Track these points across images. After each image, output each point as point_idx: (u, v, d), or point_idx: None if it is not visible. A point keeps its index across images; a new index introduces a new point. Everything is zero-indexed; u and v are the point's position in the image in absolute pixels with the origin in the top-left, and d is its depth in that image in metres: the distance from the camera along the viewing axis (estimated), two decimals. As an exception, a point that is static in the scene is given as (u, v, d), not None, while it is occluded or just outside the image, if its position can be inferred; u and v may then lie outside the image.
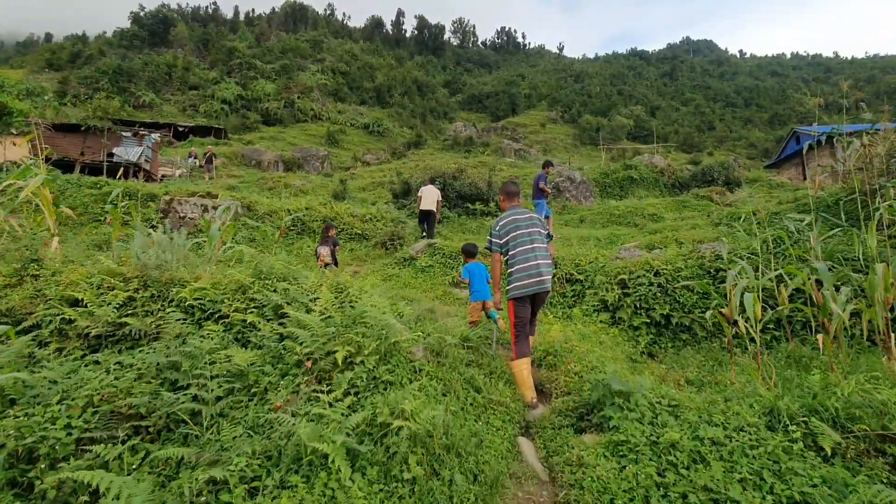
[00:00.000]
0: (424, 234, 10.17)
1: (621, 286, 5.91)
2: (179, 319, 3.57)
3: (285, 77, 62.98)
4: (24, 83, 16.53)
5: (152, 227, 9.27)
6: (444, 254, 7.98)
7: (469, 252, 5.47)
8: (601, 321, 5.63)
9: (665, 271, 5.76)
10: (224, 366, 2.83)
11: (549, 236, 3.98)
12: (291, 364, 2.89)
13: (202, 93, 59.15)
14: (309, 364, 2.77)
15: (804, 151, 24.22)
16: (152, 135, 18.60)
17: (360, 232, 10.71)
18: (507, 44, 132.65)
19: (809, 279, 3.84)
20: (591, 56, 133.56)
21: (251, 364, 2.92)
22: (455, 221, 12.74)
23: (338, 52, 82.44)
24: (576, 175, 15.86)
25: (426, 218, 10.21)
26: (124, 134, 17.10)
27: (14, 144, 14.92)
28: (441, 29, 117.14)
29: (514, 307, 3.68)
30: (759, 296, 3.67)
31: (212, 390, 2.63)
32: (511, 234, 3.74)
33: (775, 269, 4.97)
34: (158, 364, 2.95)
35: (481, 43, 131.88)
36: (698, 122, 71.41)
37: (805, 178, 27.02)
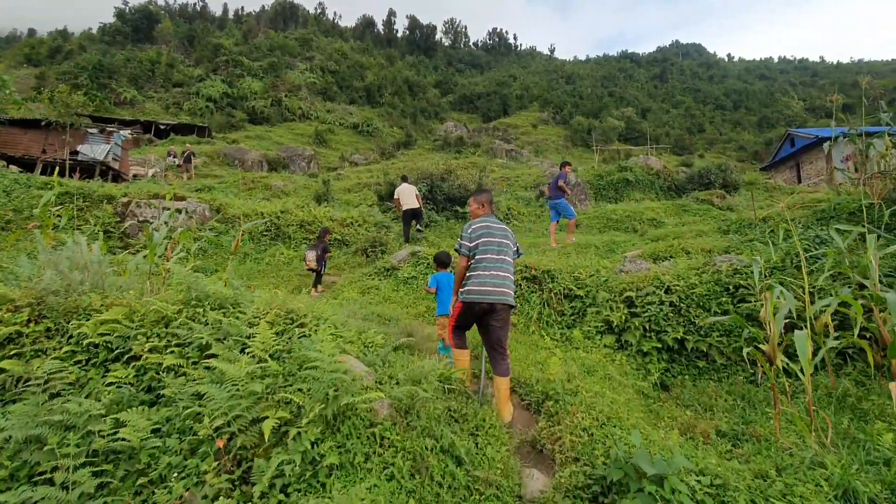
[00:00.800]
0: (417, 233, 9.47)
1: (628, 304, 5.19)
2: (79, 362, 2.80)
3: (273, 75, 61.86)
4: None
5: (105, 232, 8.40)
6: (428, 263, 7.21)
7: (441, 261, 5.00)
8: (605, 345, 4.91)
9: (677, 288, 5.05)
10: (105, 443, 2.05)
11: (518, 253, 3.87)
12: (204, 437, 2.11)
13: (187, 90, 57.80)
14: (221, 442, 2.00)
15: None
16: (122, 132, 17.49)
17: (339, 237, 9.88)
18: (499, 45, 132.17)
19: (868, 308, 3.16)
20: (583, 58, 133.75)
21: (150, 435, 2.14)
22: (443, 225, 11.97)
23: (327, 51, 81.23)
24: (570, 177, 15.04)
25: (414, 216, 9.75)
26: (90, 130, 15.95)
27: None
28: (433, 29, 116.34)
29: (461, 311, 3.58)
30: (810, 332, 2.97)
31: (74, 485, 1.84)
32: (482, 239, 3.62)
33: (819, 293, 4.30)
34: (26, 437, 2.16)
35: (473, 44, 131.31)
36: (689, 125, 71.58)
37: (800, 181, 26.70)
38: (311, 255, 7.37)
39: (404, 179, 10.44)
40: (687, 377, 4.53)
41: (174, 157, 24.26)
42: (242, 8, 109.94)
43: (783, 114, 78.05)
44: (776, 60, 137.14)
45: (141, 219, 8.42)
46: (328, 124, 52.15)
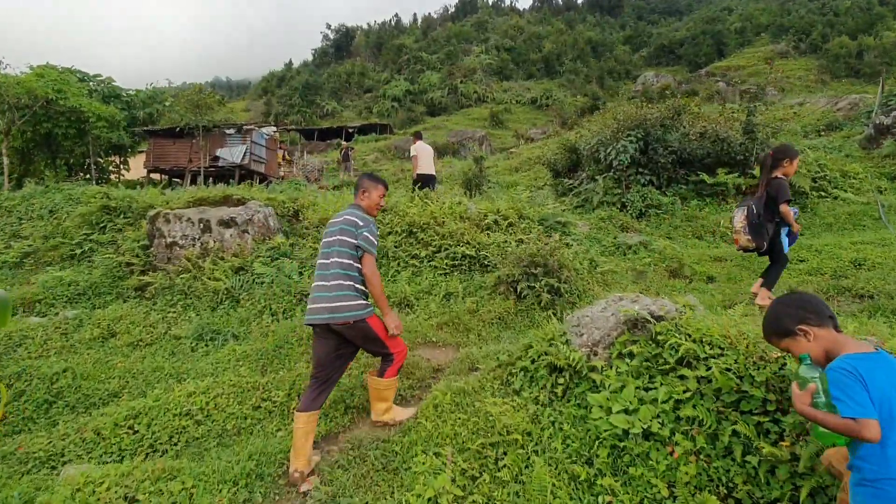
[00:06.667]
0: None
1: None
2: None
3: (449, 64, 61.03)
4: (109, 81, 15.50)
5: (128, 265, 5.54)
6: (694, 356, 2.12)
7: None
8: None
9: None
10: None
11: (359, 248, 2.72)
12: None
13: (375, 94, 61.30)
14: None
15: None
16: (262, 129, 16.26)
17: (473, 253, 5.34)
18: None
19: None
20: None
21: None
22: (675, 212, 6.30)
23: (502, 29, 77.54)
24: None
25: (428, 183, 8.37)
26: (227, 132, 14.92)
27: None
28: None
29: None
30: None
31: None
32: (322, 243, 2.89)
33: None
34: None
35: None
36: None
37: None
38: (740, 216, 4.02)
39: (418, 137, 8.84)
40: None
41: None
42: (430, 13, 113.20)
43: None
44: None
45: (170, 239, 5.42)
46: (504, 104, 48.26)
